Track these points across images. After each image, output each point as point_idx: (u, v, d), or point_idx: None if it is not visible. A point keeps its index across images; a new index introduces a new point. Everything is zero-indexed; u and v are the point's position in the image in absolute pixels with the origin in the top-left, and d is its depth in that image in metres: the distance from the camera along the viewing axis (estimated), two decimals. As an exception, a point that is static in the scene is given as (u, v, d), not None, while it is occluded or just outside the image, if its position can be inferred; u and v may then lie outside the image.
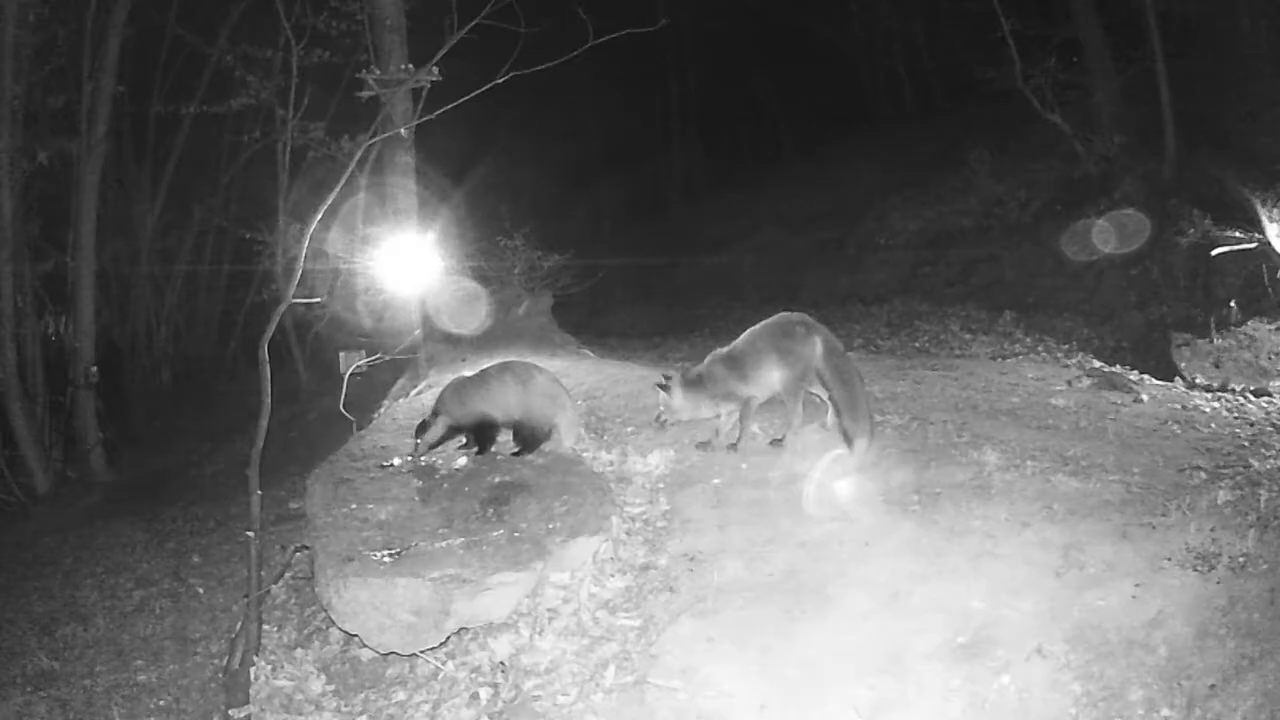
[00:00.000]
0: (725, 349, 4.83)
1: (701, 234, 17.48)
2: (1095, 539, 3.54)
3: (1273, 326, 7.07)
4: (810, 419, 4.90)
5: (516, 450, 5.03)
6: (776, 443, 4.77)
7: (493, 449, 5.13)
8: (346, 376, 7.04)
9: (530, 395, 4.99)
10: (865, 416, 4.49)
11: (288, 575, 5.26)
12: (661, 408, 4.92)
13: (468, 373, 5.47)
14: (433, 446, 5.13)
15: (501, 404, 5.00)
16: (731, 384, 4.71)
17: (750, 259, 15.16)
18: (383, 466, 5.13)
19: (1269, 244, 7.72)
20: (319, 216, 5.27)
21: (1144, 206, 9.88)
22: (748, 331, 4.82)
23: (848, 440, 4.47)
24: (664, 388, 4.84)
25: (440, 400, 5.12)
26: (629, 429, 5.40)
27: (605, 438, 5.34)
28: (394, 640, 3.87)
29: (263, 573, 4.78)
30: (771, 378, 4.68)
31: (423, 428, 5.10)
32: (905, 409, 5.18)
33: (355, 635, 4.09)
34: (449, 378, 5.73)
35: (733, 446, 4.80)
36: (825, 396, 4.74)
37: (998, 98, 12.35)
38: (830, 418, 4.78)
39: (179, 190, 14.09)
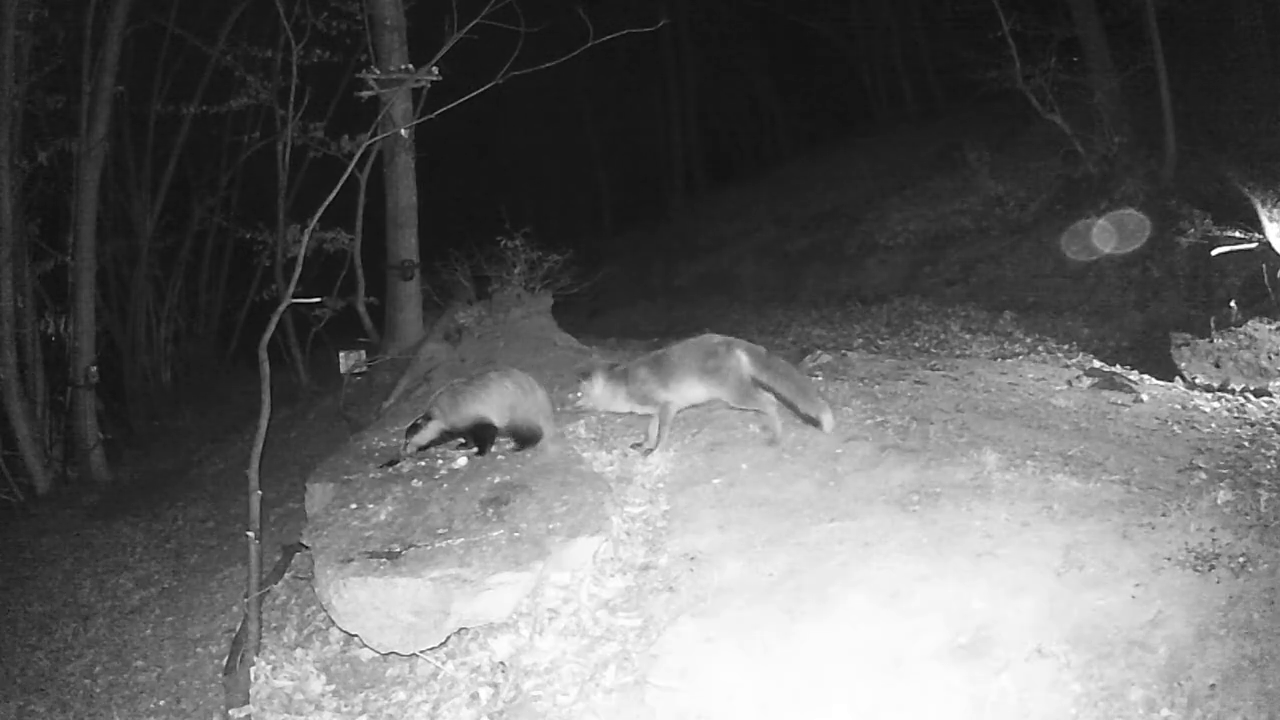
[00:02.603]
0: (653, 354, 5.04)
1: (701, 234, 17.46)
2: (1095, 539, 3.53)
3: (1273, 326, 7.04)
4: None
5: (517, 447, 5.06)
6: (772, 443, 4.80)
7: (492, 448, 5.14)
8: (346, 376, 7.04)
9: (528, 399, 5.04)
10: (816, 394, 4.79)
11: (288, 575, 5.26)
12: (581, 395, 5.14)
13: (462, 377, 5.48)
14: (421, 449, 5.14)
15: (501, 407, 5.02)
16: (651, 387, 4.89)
17: (750, 259, 15.15)
18: (383, 467, 5.14)
19: (1269, 244, 7.71)
20: (319, 216, 5.28)
21: (1144, 206, 9.88)
22: (677, 344, 5.01)
23: (814, 422, 4.68)
24: (586, 376, 5.09)
25: (434, 404, 5.12)
26: (629, 429, 5.39)
27: (606, 438, 5.34)
28: (394, 640, 3.88)
29: (263, 573, 4.78)
30: (695, 392, 4.87)
31: (413, 429, 5.10)
32: (905, 409, 5.17)
33: (355, 635, 4.10)
34: (446, 379, 5.73)
35: (659, 448, 4.94)
36: (775, 397, 4.81)
37: (998, 98, 12.34)
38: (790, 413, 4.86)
39: (179, 190, 14.10)
